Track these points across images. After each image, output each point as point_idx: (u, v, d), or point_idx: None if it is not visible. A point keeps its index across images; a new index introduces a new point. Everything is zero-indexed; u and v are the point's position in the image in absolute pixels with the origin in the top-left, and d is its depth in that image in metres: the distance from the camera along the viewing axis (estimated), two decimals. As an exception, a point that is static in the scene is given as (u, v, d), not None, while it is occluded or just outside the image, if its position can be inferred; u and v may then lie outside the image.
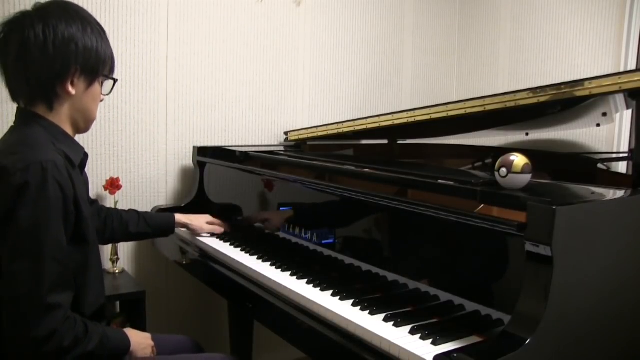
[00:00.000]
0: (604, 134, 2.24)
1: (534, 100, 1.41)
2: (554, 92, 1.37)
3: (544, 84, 1.40)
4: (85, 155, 1.24)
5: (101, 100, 1.26)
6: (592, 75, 1.32)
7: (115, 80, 1.26)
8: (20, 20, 1.12)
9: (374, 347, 1.04)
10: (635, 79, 1.25)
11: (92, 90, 1.20)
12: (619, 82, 1.27)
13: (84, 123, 1.23)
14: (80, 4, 1.20)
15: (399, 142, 2.30)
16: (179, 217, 1.75)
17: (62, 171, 1.07)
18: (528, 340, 0.88)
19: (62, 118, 1.18)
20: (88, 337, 1.09)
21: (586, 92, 1.32)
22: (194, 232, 1.79)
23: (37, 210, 1.02)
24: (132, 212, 1.65)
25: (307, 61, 2.48)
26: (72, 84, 1.15)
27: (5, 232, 1.02)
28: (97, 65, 1.18)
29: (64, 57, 1.12)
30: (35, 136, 1.11)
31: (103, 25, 1.21)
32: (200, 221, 1.79)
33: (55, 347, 1.03)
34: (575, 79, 1.34)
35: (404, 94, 2.80)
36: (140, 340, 1.27)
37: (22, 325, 1.02)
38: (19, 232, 1.02)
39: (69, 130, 1.20)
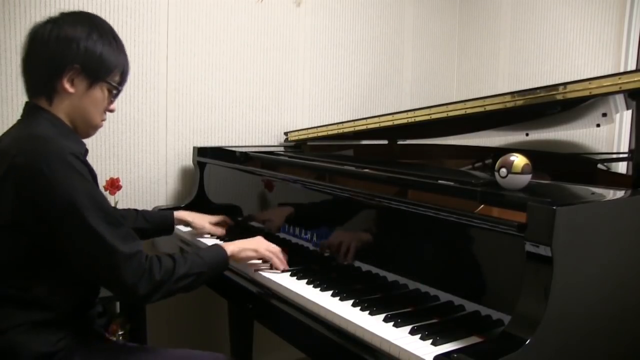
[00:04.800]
0: (604, 134, 2.24)
1: (534, 101, 1.41)
2: (554, 92, 1.37)
3: (544, 84, 1.40)
4: (86, 152, 1.27)
5: (111, 111, 1.31)
6: (592, 76, 1.32)
7: (118, 90, 1.29)
8: (41, 22, 1.21)
9: (374, 347, 1.04)
10: (635, 79, 1.25)
11: (93, 93, 1.23)
12: (619, 82, 1.27)
13: (83, 125, 1.25)
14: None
15: (399, 143, 2.30)
16: (182, 214, 1.75)
17: (81, 158, 1.13)
18: (528, 341, 0.88)
19: (61, 114, 1.22)
20: (177, 263, 1.20)
21: (586, 93, 1.32)
22: (196, 230, 1.78)
23: (76, 188, 1.08)
24: (131, 210, 1.67)
25: (307, 61, 2.48)
26: (72, 83, 1.20)
27: (59, 223, 1.08)
28: (99, 69, 1.22)
29: (63, 54, 1.18)
30: (45, 131, 1.16)
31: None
32: (203, 220, 1.78)
33: (150, 285, 1.14)
34: (575, 79, 1.34)
35: (404, 94, 2.79)
36: (245, 245, 1.40)
37: (115, 281, 1.13)
38: (67, 211, 1.08)
39: None
